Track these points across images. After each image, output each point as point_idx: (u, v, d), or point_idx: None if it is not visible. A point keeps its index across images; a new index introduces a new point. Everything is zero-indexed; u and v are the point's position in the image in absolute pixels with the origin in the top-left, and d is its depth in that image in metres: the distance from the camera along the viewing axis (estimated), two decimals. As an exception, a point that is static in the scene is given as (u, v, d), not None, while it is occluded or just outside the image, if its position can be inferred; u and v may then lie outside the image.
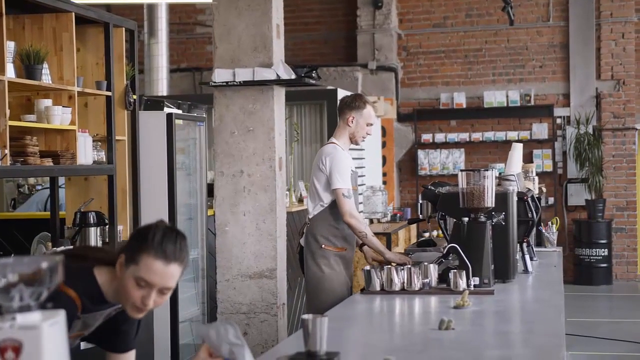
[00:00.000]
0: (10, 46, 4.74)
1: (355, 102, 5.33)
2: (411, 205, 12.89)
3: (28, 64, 4.84)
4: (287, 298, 6.15)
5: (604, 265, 12.27)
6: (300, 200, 8.02)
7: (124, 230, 5.89)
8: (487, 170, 4.47)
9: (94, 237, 5.48)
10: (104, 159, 5.60)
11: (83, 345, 3.03)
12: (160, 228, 2.64)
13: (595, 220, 12.26)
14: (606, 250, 12.25)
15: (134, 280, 2.58)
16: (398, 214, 11.40)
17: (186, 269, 2.71)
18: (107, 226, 5.61)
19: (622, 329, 9.31)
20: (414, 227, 11.43)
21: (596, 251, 12.23)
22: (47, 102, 5.04)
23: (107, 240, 5.64)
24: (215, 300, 5.92)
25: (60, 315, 1.82)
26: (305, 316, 2.77)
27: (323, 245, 5.22)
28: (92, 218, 5.46)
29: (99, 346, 2.90)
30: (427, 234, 12.22)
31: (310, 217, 5.33)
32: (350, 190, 5.12)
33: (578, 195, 12.58)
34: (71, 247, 4.97)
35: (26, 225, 6.42)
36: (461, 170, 4.51)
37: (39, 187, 8.35)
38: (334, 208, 5.19)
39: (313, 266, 5.24)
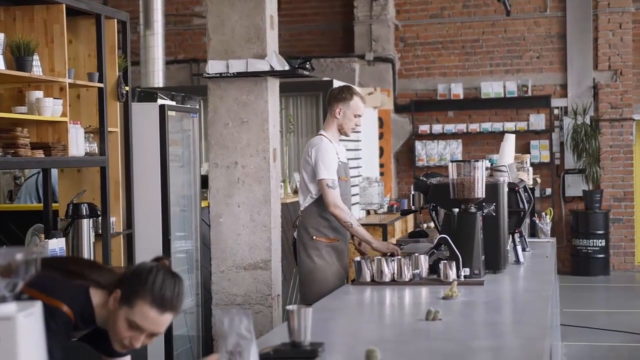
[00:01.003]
0: (0, 38, 4.74)
1: (342, 93, 5.34)
2: (408, 196, 12.88)
3: (18, 56, 4.83)
4: (282, 289, 6.16)
5: (601, 256, 12.28)
6: (296, 192, 8.02)
7: (116, 222, 5.90)
8: (478, 161, 4.47)
9: (87, 228, 5.47)
10: (96, 151, 5.60)
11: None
12: (161, 272, 2.61)
13: (593, 211, 12.27)
14: (603, 241, 12.26)
15: (126, 322, 2.58)
16: (395, 205, 11.40)
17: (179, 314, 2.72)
18: (99, 218, 5.61)
19: (618, 319, 9.32)
20: (410, 218, 11.45)
21: (593, 242, 12.24)
22: (38, 93, 5.04)
23: (99, 232, 5.64)
24: (209, 291, 5.93)
25: (36, 307, 1.82)
26: (289, 307, 2.78)
27: (314, 237, 5.24)
28: (84, 210, 5.46)
29: (95, 349, 2.88)
30: (424, 225, 12.24)
31: (302, 209, 5.36)
32: (335, 181, 5.13)
33: (575, 186, 12.58)
34: (69, 257, 4.88)
35: (22, 216, 6.43)
36: (451, 161, 4.52)
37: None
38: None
39: (305, 257, 5.26)
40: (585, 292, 11.31)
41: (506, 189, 4.74)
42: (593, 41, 12.60)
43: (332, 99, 5.37)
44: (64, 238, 5.31)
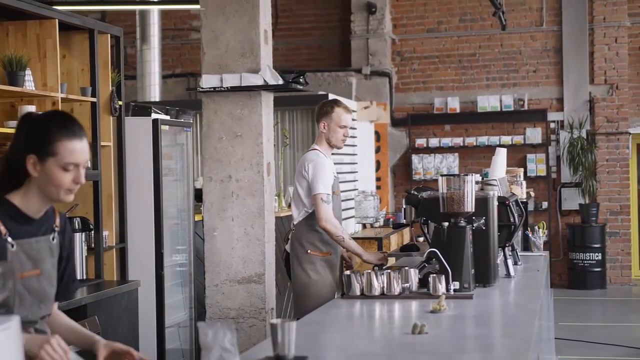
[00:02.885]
0: (-8, 53, 4.78)
1: (323, 108, 5.44)
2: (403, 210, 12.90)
3: (10, 71, 4.86)
4: (276, 303, 6.16)
5: (598, 269, 12.27)
6: (290, 205, 8.03)
7: (109, 236, 5.91)
8: (467, 175, 4.49)
9: (79, 243, 5.48)
10: (89, 165, 5.63)
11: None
12: (54, 114, 2.77)
13: (589, 224, 12.27)
14: (600, 254, 12.26)
15: (61, 169, 2.68)
16: (391, 219, 11.41)
17: None
18: (92, 232, 5.62)
19: (615, 333, 9.32)
20: (407, 231, 11.45)
21: (590, 255, 12.24)
22: (31, 108, 5.06)
23: (92, 246, 5.65)
24: (203, 305, 5.94)
25: (14, 321, 1.84)
26: (273, 321, 2.79)
27: (309, 251, 5.27)
28: (77, 224, 5.47)
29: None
30: (421, 239, 12.24)
31: (295, 222, 5.38)
32: (329, 196, 5.17)
33: (572, 200, 12.59)
34: None
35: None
36: (441, 175, 4.53)
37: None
38: None
39: (300, 272, 5.28)
40: (582, 305, 11.31)
41: (496, 203, 4.76)
42: (589, 55, 12.64)
43: (317, 115, 5.49)
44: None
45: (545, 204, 12.55)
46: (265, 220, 6.08)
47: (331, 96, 10.08)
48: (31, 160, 2.69)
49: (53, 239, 2.83)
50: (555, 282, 12.24)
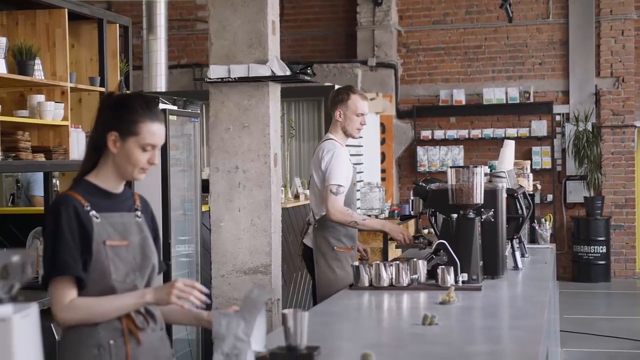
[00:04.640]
0: (2, 42, 4.77)
1: (338, 95, 5.33)
2: (410, 201, 12.90)
3: (20, 60, 4.86)
4: (282, 294, 6.17)
5: (603, 262, 12.28)
6: (297, 197, 8.04)
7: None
8: (476, 167, 4.48)
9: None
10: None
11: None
12: (138, 96, 2.92)
13: (594, 217, 12.27)
14: (604, 247, 12.26)
15: (140, 148, 2.82)
16: (397, 211, 11.41)
17: None
18: (100, 221, 5.62)
19: (619, 326, 9.33)
20: (412, 223, 11.45)
21: (594, 248, 12.24)
22: (40, 97, 5.06)
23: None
24: (210, 295, 5.94)
25: (32, 308, 1.84)
26: (285, 311, 2.79)
27: (335, 247, 5.20)
28: (86, 213, 5.47)
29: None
30: (425, 231, 12.24)
31: (317, 217, 5.29)
32: (340, 187, 5.10)
33: (577, 193, 12.59)
34: None
35: (23, 220, 6.44)
36: (450, 167, 4.53)
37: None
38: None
39: (325, 268, 5.21)
40: (586, 298, 11.31)
41: (505, 195, 4.75)
42: (595, 48, 12.62)
43: (331, 103, 5.37)
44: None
45: (550, 197, 12.55)
46: (272, 211, 6.07)
47: (338, 87, 10.08)
48: (112, 137, 2.82)
49: (137, 217, 2.94)
50: (560, 274, 12.22)
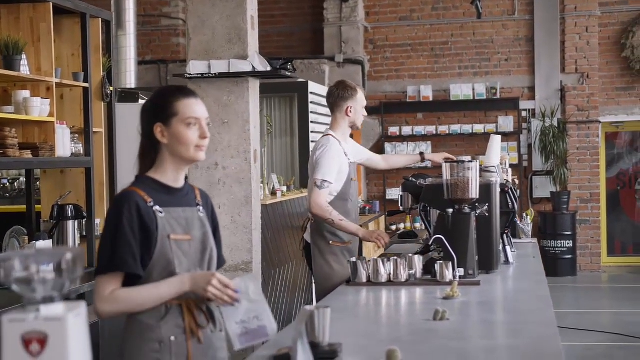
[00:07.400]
0: (-14, 36, 4.67)
1: (348, 91, 5.34)
2: (379, 198, 12.93)
3: (7, 55, 4.76)
4: (262, 291, 6.13)
5: (569, 256, 12.42)
6: (274, 193, 8.00)
7: (101, 224, 5.83)
8: (471, 161, 4.49)
9: (72, 230, 5.40)
10: (82, 152, 5.53)
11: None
12: (164, 87, 2.99)
13: (560, 212, 12.40)
14: (571, 241, 12.40)
15: (185, 126, 2.85)
16: (367, 207, 11.43)
17: None
18: (84, 219, 5.54)
19: (587, 319, 9.43)
20: (382, 219, 11.48)
21: (561, 243, 12.37)
22: (26, 93, 4.96)
23: (84, 233, 5.57)
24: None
25: (82, 307, 1.80)
26: (308, 307, 2.76)
27: (331, 242, 5.19)
28: (70, 211, 5.39)
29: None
30: (402, 226, 12.28)
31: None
32: (324, 182, 5.08)
33: (543, 188, 12.71)
34: None
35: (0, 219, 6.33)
36: (445, 162, 4.53)
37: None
38: (339, 202, 5.17)
39: (322, 263, 5.21)
40: (554, 292, 11.28)
41: (498, 190, 4.77)
42: (560, 44, 12.75)
43: (339, 99, 5.33)
44: (50, 240, 5.24)
45: (517, 192, 12.63)
46: (252, 208, 6.04)
47: (311, 84, 10.07)
48: (158, 129, 2.86)
49: (200, 212, 2.95)
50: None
